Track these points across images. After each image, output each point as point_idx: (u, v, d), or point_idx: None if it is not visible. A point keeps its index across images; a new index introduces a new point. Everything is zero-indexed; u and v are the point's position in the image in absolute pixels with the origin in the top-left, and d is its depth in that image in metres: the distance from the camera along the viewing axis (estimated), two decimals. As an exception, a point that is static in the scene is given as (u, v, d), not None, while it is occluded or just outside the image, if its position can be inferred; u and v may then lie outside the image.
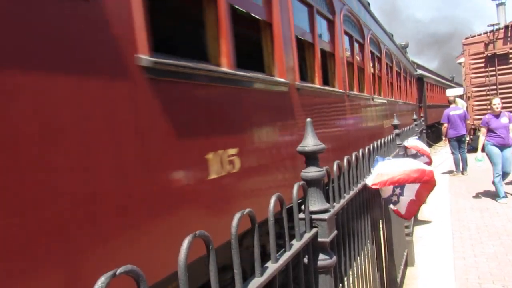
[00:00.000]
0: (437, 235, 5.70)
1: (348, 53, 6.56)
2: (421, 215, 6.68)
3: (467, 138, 11.45)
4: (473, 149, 15.14)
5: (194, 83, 2.34)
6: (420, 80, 18.75)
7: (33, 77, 1.40)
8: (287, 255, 1.29)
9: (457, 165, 10.45)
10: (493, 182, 7.34)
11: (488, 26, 14.40)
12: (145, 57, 1.91)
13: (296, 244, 1.38)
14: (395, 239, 3.63)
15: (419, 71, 19.35)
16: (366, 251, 2.45)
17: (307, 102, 4.25)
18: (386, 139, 3.56)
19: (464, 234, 5.63)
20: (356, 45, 7.08)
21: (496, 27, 14.24)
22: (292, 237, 1.40)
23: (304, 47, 4.81)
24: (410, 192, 2.61)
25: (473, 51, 14.45)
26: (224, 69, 2.72)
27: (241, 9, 3.39)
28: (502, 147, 7.27)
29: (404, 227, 4.47)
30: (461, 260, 4.69)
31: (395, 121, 4.83)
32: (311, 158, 1.61)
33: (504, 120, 7.31)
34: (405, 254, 4.43)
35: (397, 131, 4.63)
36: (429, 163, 4.57)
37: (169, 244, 1.92)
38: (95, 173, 1.59)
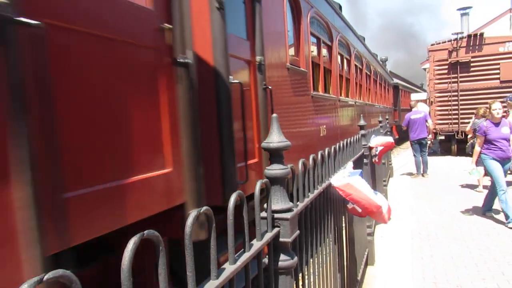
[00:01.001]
0: (397, 235, 5.83)
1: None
2: (382, 215, 6.79)
3: (428, 142, 11.83)
4: (433, 152, 15.78)
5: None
6: (395, 87, 22.06)
7: None
8: (246, 256, 1.22)
9: (418, 167, 10.77)
10: (500, 201, 6.12)
11: (452, 34, 14.90)
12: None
13: (257, 244, 1.32)
14: (357, 239, 3.66)
15: (396, 80, 22.77)
16: (328, 250, 2.43)
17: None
18: (352, 139, 3.57)
19: (422, 234, 5.78)
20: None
21: (460, 35, 14.76)
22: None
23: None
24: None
25: (438, 57, 14.91)
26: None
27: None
28: (502, 161, 6.26)
29: (366, 227, 4.53)
30: (419, 260, 4.80)
31: (361, 122, 4.87)
32: (275, 155, 1.55)
33: (505, 130, 6.27)
34: (366, 253, 4.48)
35: (363, 131, 4.67)
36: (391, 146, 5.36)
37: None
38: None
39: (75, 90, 1.65)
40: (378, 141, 4.94)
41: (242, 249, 1.26)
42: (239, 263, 1.16)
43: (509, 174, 9.82)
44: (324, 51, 7.37)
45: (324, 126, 6.56)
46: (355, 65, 10.38)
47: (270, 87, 4.02)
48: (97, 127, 1.74)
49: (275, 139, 1.53)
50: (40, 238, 1.34)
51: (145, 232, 0.77)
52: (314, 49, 6.63)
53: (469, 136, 9.25)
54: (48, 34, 1.49)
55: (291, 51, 5.40)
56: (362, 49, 11.43)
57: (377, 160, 5.20)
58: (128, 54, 1.97)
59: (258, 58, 3.81)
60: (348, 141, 3.31)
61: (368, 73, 11.99)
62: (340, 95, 8.32)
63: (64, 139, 1.57)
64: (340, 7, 8.81)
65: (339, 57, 8.41)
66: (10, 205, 1.29)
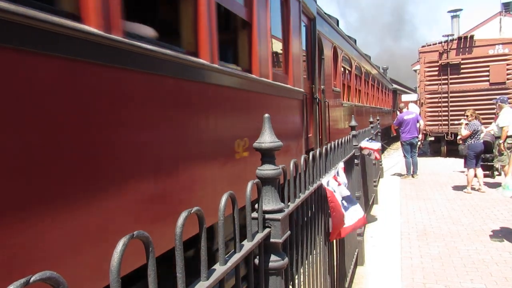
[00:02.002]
0: (387, 235, 5.87)
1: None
2: (372, 216, 6.85)
3: (419, 143, 11.95)
4: (423, 153, 15.92)
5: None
6: (394, 92, 27.03)
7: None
8: (236, 257, 1.22)
9: (408, 168, 10.85)
10: None
11: (443, 36, 15.05)
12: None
13: (247, 245, 1.32)
14: (347, 239, 3.67)
15: (395, 86, 27.97)
16: (318, 250, 2.44)
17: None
18: (343, 140, 3.58)
19: (412, 235, 5.82)
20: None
21: (450, 37, 14.90)
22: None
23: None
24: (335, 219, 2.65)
25: (428, 59, 15.03)
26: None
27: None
28: None
29: (356, 227, 4.54)
30: (408, 260, 4.84)
31: (353, 123, 4.89)
32: (267, 155, 1.54)
33: None
34: (356, 253, 4.50)
35: (354, 132, 4.70)
36: (377, 158, 5.86)
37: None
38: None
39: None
40: (367, 145, 5.06)
41: (233, 250, 1.26)
42: (229, 264, 1.16)
43: (498, 175, 9.96)
44: (347, 75, 11.42)
45: (347, 122, 9.48)
46: (364, 80, 14.49)
47: (327, 100, 7.79)
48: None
49: (267, 139, 1.52)
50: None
51: (135, 232, 0.76)
52: (343, 75, 10.70)
53: (458, 137, 9.33)
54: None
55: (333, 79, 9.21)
56: (369, 67, 15.86)
57: (378, 157, 5.78)
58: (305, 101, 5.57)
59: (322, 86, 7.50)
60: (339, 142, 3.32)
61: (373, 84, 16.69)
62: (357, 102, 12.64)
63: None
64: (338, 22, 10.75)
65: (355, 76, 12.45)
66: None
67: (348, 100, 11.16)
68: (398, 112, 11.40)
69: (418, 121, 10.95)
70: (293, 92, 5.00)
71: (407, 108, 11.71)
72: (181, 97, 2.46)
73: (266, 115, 1.56)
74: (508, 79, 14.00)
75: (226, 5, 3.33)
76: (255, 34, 3.78)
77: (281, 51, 4.90)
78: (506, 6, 29.50)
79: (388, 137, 22.83)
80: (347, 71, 11.26)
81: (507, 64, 14.03)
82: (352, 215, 2.69)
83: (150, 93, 2.16)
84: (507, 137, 8.79)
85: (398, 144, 16.07)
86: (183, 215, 0.94)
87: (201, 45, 2.79)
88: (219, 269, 1.11)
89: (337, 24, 10.47)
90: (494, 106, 10.15)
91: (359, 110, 12.86)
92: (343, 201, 2.59)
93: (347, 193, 2.69)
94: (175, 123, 2.38)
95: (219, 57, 2.98)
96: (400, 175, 11.20)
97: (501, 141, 8.80)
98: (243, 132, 3.38)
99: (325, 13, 8.92)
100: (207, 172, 2.75)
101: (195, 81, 2.64)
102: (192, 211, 0.98)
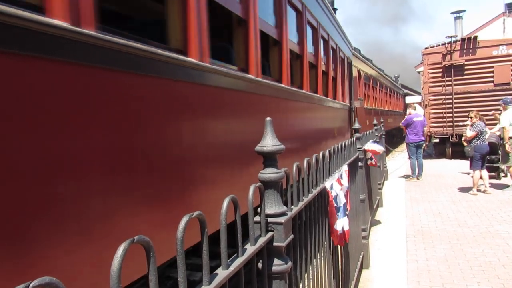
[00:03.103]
0: (392, 238, 5.83)
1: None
2: (377, 218, 6.82)
3: (424, 145, 11.92)
4: (428, 155, 15.85)
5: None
6: (404, 96, 29.96)
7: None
8: (239, 261, 1.21)
9: (413, 170, 10.80)
10: None
11: (446, 37, 15.00)
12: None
13: (250, 249, 1.31)
14: (352, 242, 3.65)
15: (405, 90, 33.46)
16: (322, 254, 2.42)
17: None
18: (347, 142, 3.57)
19: (417, 237, 5.79)
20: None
21: (453, 39, 14.85)
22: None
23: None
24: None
25: (432, 60, 14.98)
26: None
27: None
28: None
29: (361, 230, 4.52)
30: (414, 263, 4.80)
31: (356, 125, 4.88)
32: (269, 159, 1.54)
33: None
34: (361, 257, 4.47)
35: (357, 135, 4.68)
36: (374, 164, 5.80)
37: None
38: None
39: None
40: (371, 147, 5.06)
41: (235, 254, 1.25)
42: (232, 268, 1.15)
43: (504, 177, 9.89)
44: (367, 87, 15.82)
45: (367, 120, 13.77)
46: (379, 89, 19.40)
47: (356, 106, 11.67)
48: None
49: (269, 142, 1.52)
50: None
51: (135, 237, 0.76)
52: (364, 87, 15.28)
53: (463, 139, 9.28)
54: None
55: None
56: (382, 79, 20.93)
57: (373, 163, 5.32)
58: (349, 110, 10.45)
59: (354, 100, 11.66)
60: (343, 144, 3.31)
61: (386, 92, 22.03)
62: (374, 106, 17.32)
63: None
64: (360, 52, 14.96)
65: (372, 87, 17.07)
66: None
67: (368, 105, 15.81)
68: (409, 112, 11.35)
69: (425, 125, 11.02)
70: (345, 105, 9.91)
71: (416, 110, 11.65)
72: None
73: (268, 118, 1.56)
74: (512, 80, 13.94)
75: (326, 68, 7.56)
76: (331, 79, 8.11)
77: (341, 85, 9.30)
78: (509, 6, 29.35)
79: (399, 137, 25.46)
80: (366, 85, 15.79)
81: (511, 65, 13.98)
82: (342, 224, 2.67)
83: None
84: (510, 137, 8.74)
85: (403, 146, 16.21)
86: (184, 219, 0.94)
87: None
88: (222, 274, 1.11)
89: (359, 53, 14.78)
90: (499, 107, 10.09)
91: (376, 112, 17.45)
92: (339, 208, 2.58)
93: (343, 201, 2.67)
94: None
95: (323, 93, 7.20)
96: (405, 177, 11.15)
97: (505, 142, 8.74)
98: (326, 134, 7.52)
99: (354, 48, 13.32)
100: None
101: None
102: (194, 216, 0.98)
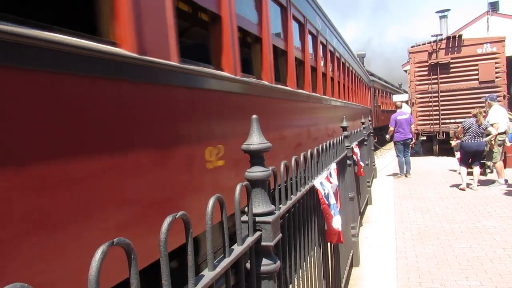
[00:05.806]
0: (381, 235, 5.85)
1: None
2: (367, 216, 6.84)
3: (411, 142, 12.01)
4: (416, 152, 16.00)
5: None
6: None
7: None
8: (226, 262, 1.19)
9: (401, 168, 10.88)
10: None
11: (432, 36, 15.15)
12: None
13: (237, 249, 1.29)
14: (342, 240, 3.65)
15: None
16: (312, 252, 2.41)
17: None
18: (335, 140, 3.56)
19: (406, 234, 5.82)
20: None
21: (439, 37, 15.01)
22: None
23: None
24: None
25: (418, 59, 15.12)
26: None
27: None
28: None
29: (351, 228, 4.52)
30: (403, 260, 4.82)
31: (344, 123, 4.87)
32: (256, 157, 1.52)
33: None
34: (351, 254, 4.48)
35: (345, 133, 4.67)
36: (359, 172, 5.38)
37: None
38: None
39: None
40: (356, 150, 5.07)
41: (222, 255, 1.22)
42: (218, 269, 1.12)
43: (490, 173, 10.01)
44: (377, 96, 23.37)
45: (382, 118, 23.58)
46: (384, 96, 27.01)
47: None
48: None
49: (255, 140, 1.49)
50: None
51: (115, 240, 0.73)
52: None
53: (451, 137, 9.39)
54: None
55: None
56: (391, 87, 30.01)
57: (359, 172, 5.37)
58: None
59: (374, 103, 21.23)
60: (331, 143, 3.30)
61: (389, 96, 28.51)
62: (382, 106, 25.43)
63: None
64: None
65: (379, 95, 24.21)
66: None
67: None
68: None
69: (412, 123, 11.05)
70: (367, 108, 17.26)
71: (401, 108, 11.75)
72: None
73: (254, 116, 1.53)
74: (497, 77, 14.13)
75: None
76: (357, 94, 14.44)
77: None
78: (493, 5, 29.79)
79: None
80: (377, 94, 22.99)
81: (496, 63, 14.16)
82: (337, 222, 2.66)
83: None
84: (498, 133, 8.87)
85: (391, 144, 16.38)
86: (168, 220, 0.91)
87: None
88: (208, 275, 1.08)
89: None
90: (484, 104, 10.22)
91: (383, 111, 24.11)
92: (331, 206, 2.57)
93: (333, 200, 2.66)
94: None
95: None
96: (394, 175, 11.22)
97: (491, 138, 8.86)
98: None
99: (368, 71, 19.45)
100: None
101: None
102: (177, 216, 0.95)
